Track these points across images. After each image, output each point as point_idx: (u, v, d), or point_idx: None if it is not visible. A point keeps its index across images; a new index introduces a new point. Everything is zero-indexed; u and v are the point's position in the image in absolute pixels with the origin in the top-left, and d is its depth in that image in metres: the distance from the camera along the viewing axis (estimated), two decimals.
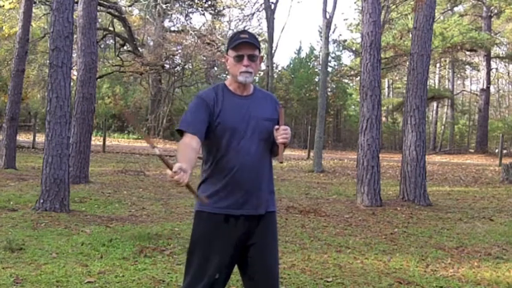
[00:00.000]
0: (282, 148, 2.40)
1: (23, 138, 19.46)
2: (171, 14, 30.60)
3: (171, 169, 2.06)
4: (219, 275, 2.39)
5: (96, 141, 19.33)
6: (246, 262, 2.45)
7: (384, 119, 32.94)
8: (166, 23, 31.91)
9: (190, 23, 31.68)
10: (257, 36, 2.77)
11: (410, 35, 11.41)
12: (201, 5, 29.22)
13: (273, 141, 2.46)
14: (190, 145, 2.29)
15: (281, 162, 2.41)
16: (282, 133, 2.37)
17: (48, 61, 7.27)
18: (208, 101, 2.41)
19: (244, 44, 2.42)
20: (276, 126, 2.41)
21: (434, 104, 34.62)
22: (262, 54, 2.63)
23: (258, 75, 34.43)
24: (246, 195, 2.40)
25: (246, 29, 30.49)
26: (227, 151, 2.40)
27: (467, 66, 38.31)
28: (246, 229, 2.42)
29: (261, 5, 26.90)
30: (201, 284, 2.38)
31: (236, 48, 2.43)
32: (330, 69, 30.80)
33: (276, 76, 32.18)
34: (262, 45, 34.63)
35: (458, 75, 40.98)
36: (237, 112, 2.42)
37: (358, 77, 16.62)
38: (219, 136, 2.40)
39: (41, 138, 14.27)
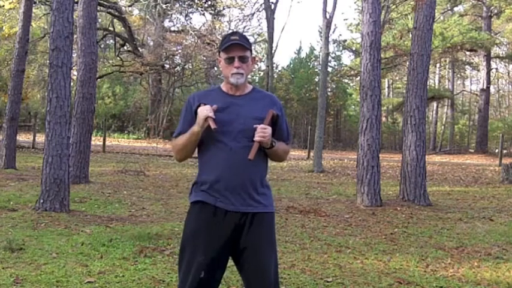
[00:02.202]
0: (256, 146, 2.37)
1: (23, 138, 19.45)
2: (171, 14, 30.60)
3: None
4: (204, 274, 2.39)
5: (96, 141, 19.33)
6: (241, 265, 2.47)
7: (383, 119, 32.94)
8: (166, 23, 31.94)
9: (190, 23, 31.70)
10: (248, 37, 2.79)
11: (410, 35, 11.41)
12: (201, 5, 29.21)
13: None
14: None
15: (249, 160, 2.37)
16: (258, 131, 2.37)
17: (48, 61, 7.27)
18: (192, 103, 2.51)
19: (235, 46, 2.44)
20: (255, 125, 2.39)
21: (434, 104, 34.61)
22: (255, 54, 2.66)
23: (258, 75, 34.46)
24: (228, 192, 2.41)
25: (246, 29, 30.54)
26: (211, 148, 2.46)
27: (467, 66, 38.34)
28: (234, 227, 2.41)
29: (261, 5, 26.90)
30: (189, 282, 2.42)
31: (227, 50, 2.45)
32: (330, 69, 30.81)
33: (276, 76, 32.18)
34: (262, 45, 34.84)
35: (458, 75, 40.99)
36: (224, 110, 2.44)
37: (358, 77, 16.63)
38: (205, 134, 2.45)
39: (41, 138, 14.27)
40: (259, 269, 2.42)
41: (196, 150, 2.55)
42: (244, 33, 2.98)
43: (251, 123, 2.42)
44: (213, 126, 2.36)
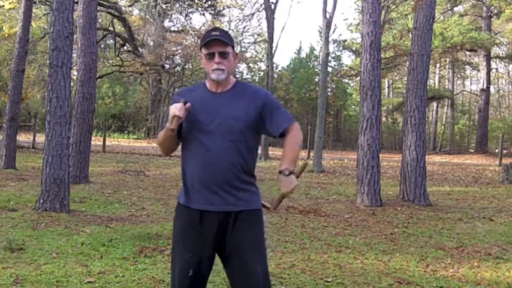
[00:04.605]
0: (281, 199, 2.45)
1: (23, 138, 19.44)
2: (171, 14, 30.59)
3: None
4: (192, 272, 2.39)
5: (96, 141, 19.32)
6: (226, 265, 2.45)
7: (383, 119, 32.93)
8: (166, 23, 31.95)
9: (190, 23, 31.69)
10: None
11: (410, 35, 11.41)
12: (201, 5, 29.21)
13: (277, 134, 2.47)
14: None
15: (273, 210, 2.48)
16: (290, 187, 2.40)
17: (48, 61, 7.27)
18: (177, 100, 2.46)
19: (215, 41, 2.42)
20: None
21: (434, 104, 34.62)
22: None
23: (258, 75, 34.44)
24: (207, 193, 2.39)
25: (246, 29, 30.54)
26: (191, 147, 2.44)
27: (467, 66, 38.35)
28: (217, 227, 2.39)
29: (261, 5, 26.84)
30: (178, 280, 2.43)
31: (207, 46, 2.43)
32: (330, 69, 30.81)
33: (276, 76, 32.18)
34: (262, 45, 34.82)
35: (458, 75, 40.99)
36: (203, 109, 2.42)
37: (358, 77, 16.63)
38: (185, 131, 2.44)
39: (41, 138, 14.26)
40: (244, 270, 2.38)
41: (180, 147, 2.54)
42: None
43: (230, 123, 2.39)
44: (173, 126, 2.36)
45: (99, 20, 26.26)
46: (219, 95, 2.46)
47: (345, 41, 33.65)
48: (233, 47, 2.48)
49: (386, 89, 39.96)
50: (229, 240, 2.39)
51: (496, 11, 30.26)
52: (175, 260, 2.47)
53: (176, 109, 2.34)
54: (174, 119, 2.34)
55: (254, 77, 34.35)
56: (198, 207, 2.41)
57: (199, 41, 26.72)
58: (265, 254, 2.49)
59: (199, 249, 2.40)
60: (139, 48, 29.37)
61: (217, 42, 2.41)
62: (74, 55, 11.89)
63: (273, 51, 23.23)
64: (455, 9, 32.70)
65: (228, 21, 31.68)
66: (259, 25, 40.80)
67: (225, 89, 2.48)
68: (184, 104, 2.38)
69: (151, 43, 30.74)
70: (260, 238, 2.47)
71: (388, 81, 39.57)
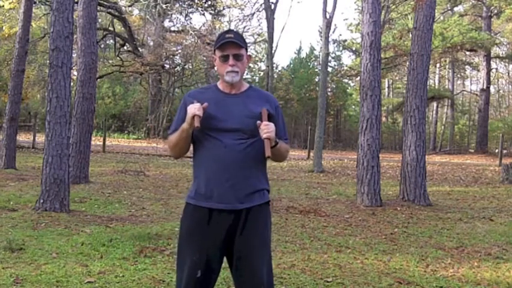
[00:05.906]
0: (268, 143, 2.38)
1: (23, 138, 19.45)
2: (171, 14, 30.60)
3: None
4: (200, 273, 2.39)
5: (96, 141, 19.33)
6: (233, 265, 2.45)
7: (383, 119, 32.94)
8: (166, 23, 31.95)
9: (190, 23, 31.70)
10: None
11: (410, 35, 11.41)
12: (201, 5, 29.22)
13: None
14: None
15: (268, 157, 2.40)
16: (263, 128, 2.37)
17: (48, 61, 7.27)
18: (188, 102, 2.46)
19: (230, 44, 2.44)
20: (258, 122, 2.39)
21: (434, 104, 34.61)
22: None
23: (258, 75, 34.43)
24: (222, 189, 2.40)
25: (246, 29, 30.53)
26: (207, 145, 2.45)
27: (467, 66, 38.35)
28: (228, 227, 2.40)
29: (261, 5, 26.90)
30: (185, 281, 2.41)
31: (221, 48, 2.45)
32: (330, 69, 30.80)
33: (276, 76, 32.17)
34: (262, 45, 34.85)
35: (458, 75, 40.99)
36: (218, 108, 2.44)
37: (358, 77, 16.63)
38: (200, 131, 2.44)
39: (41, 138, 14.27)
40: (251, 271, 2.40)
41: (192, 148, 2.54)
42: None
43: (246, 121, 2.42)
44: (196, 124, 2.35)
45: (99, 20, 26.27)
46: (234, 96, 2.50)
47: (345, 41, 33.68)
48: (246, 49, 2.52)
49: (386, 89, 39.96)
50: (238, 243, 2.41)
51: (496, 11, 30.25)
52: (183, 263, 2.44)
53: (195, 109, 2.36)
54: (195, 118, 2.35)
55: (254, 77, 34.36)
56: (207, 205, 2.41)
57: (199, 41, 26.73)
58: (271, 255, 2.52)
59: (206, 249, 2.40)
60: (139, 48, 29.37)
61: (231, 44, 2.44)
62: (74, 55, 11.89)
63: (273, 51, 23.22)
64: (455, 9, 32.70)
65: (228, 21, 31.70)
66: (259, 25, 40.85)
67: (239, 91, 2.52)
68: (201, 104, 2.40)
69: (151, 43, 30.74)
70: (267, 238, 2.49)
71: (388, 81, 39.57)
